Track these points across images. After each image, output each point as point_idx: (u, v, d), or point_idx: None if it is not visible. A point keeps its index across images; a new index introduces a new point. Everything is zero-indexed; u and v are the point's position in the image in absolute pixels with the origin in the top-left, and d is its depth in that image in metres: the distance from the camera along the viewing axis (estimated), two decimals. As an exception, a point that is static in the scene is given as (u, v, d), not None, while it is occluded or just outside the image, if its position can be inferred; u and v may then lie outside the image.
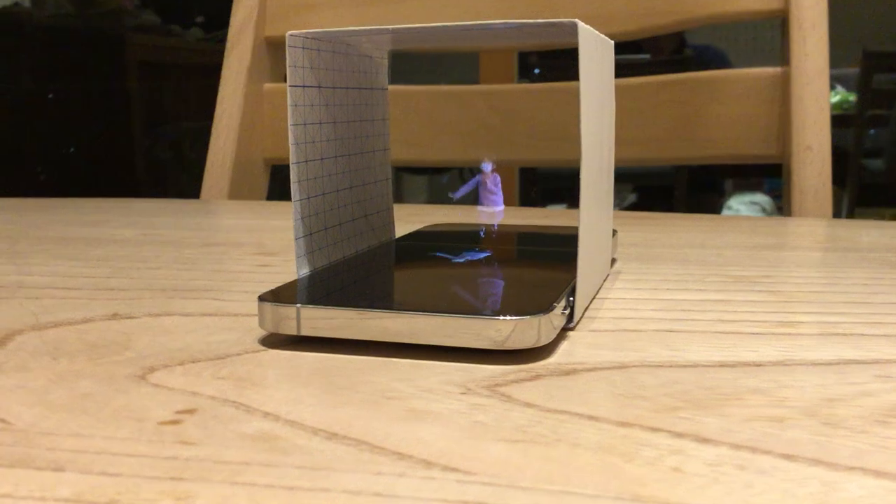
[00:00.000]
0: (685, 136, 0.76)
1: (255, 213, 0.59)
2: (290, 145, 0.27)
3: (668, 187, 3.03)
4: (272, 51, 0.82)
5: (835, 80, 3.16)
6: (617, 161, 0.81)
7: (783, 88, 0.72)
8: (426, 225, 0.40)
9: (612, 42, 0.32)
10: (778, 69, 0.72)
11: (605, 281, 0.33)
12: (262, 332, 0.26)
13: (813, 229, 0.50)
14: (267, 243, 0.44)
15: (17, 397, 0.21)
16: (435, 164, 0.83)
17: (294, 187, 0.28)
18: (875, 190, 2.85)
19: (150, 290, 0.33)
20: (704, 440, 0.18)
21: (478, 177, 0.33)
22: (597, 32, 0.28)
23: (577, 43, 0.25)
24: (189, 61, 2.82)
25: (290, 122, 0.27)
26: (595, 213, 0.28)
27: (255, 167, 0.81)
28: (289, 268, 0.36)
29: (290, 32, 0.27)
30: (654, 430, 0.18)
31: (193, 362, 0.23)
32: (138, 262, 0.38)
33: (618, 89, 0.80)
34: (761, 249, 0.40)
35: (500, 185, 0.33)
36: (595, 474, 0.16)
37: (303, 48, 0.28)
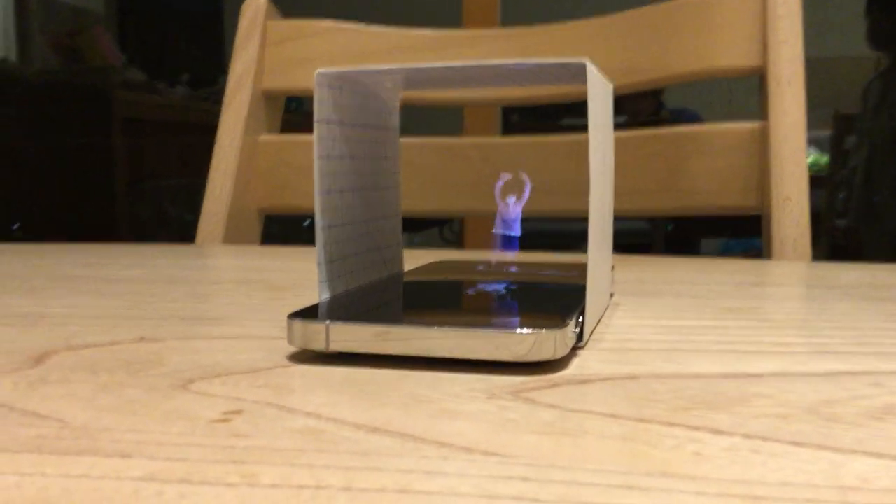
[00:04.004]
0: (667, 189, 0.79)
1: (255, 256, 0.60)
2: (314, 176, 0.29)
3: (645, 246, 3.08)
4: (269, 103, 0.85)
5: (808, 142, 3.24)
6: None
7: (762, 142, 0.75)
8: (434, 261, 0.42)
9: (612, 85, 0.34)
10: (756, 124, 0.75)
11: (605, 311, 0.35)
12: (288, 351, 0.28)
13: (795, 270, 0.52)
14: (273, 280, 0.45)
15: (67, 403, 0.22)
16: (427, 215, 0.85)
17: (318, 215, 0.30)
18: (847, 249, 2.91)
19: (171, 319, 0.34)
20: (718, 432, 0.19)
21: (512, 203, 0.34)
22: (601, 75, 0.30)
23: (583, 85, 0.27)
24: (173, 119, 2.85)
25: (315, 153, 0.29)
26: (600, 244, 0.30)
27: (250, 216, 0.82)
28: (300, 301, 0.37)
29: (318, 71, 0.29)
30: (672, 424, 0.20)
31: (229, 374, 0.25)
32: (153, 297, 0.40)
33: (603, 142, 0.82)
34: (749, 286, 0.42)
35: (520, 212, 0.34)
36: (625, 457, 0.18)
37: (328, 86, 0.30)
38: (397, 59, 0.85)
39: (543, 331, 0.24)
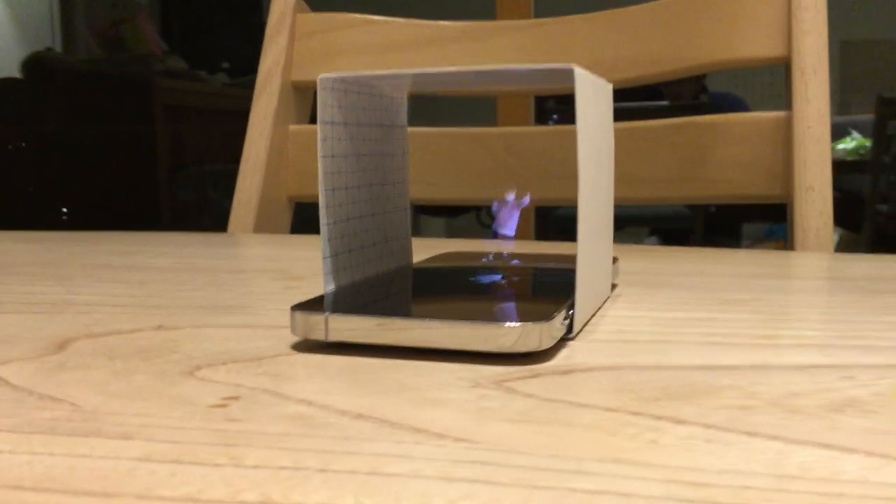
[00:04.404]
0: (692, 177, 0.80)
1: (279, 245, 0.62)
2: (319, 174, 0.31)
3: (686, 230, 3.06)
4: (298, 94, 0.86)
5: (851, 126, 3.20)
6: (629, 200, 0.84)
7: (786, 132, 0.75)
8: (442, 252, 0.43)
9: (611, 85, 0.35)
10: (781, 113, 0.75)
11: (605, 302, 0.36)
12: (293, 340, 0.29)
13: (807, 261, 0.53)
14: (292, 270, 0.47)
15: (82, 388, 0.24)
16: (453, 203, 0.87)
17: (322, 212, 0.31)
18: (890, 234, 2.86)
19: (190, 307, 0.36)
20: (680, 421, 0.20)
21: (510, 204, 0.36)
22: (594, 76, 0.31)
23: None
24: (214, 105, 2.89)
25: (319, 153, 0.31)
26: (592, 238, 0.31)
27: (280, 204, 0.84)
28: (313, 290, 0.39)
29: (321, 76, 0.31)
30: (637, 414, 0.21)
31: (234, 362, 0.27)
32: (176, 285, 0.42)
33: (628, 132, 0.84)
34: (755, 278, 0.42)
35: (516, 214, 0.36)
36: (583, 444, 0.19)
37: (332, 89, 0.31)
38: (425, 50, 0.86)
39: (529, 323, 0.26)
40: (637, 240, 3.70)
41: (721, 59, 0.79)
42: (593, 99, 0.30)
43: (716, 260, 0.51)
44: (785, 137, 0.75)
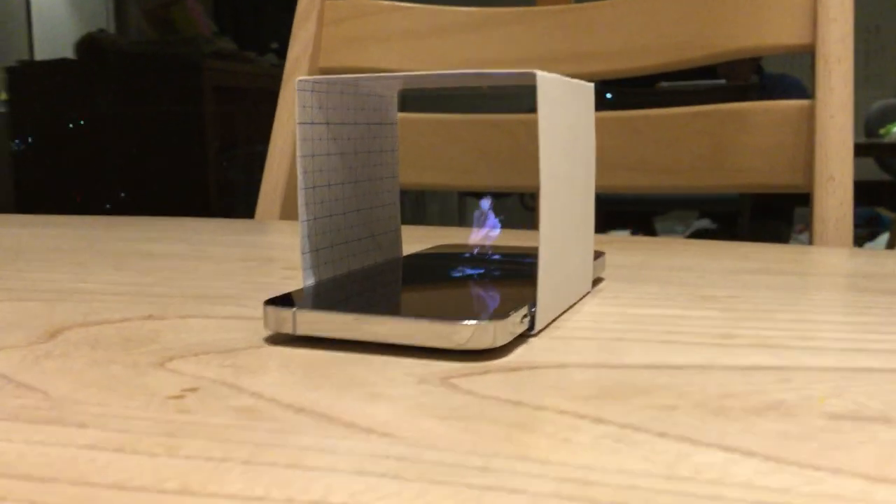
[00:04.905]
0: (714, 166, 0.79)
1: (292, 234, 0.64)
2: (298, 174, 0.32)
3: (736, 213, 3.03)
4: (324, 82, 0.88)
5: (908, 109, 3.12)
6: (650, 188, 0.84)
7: (809, 120, 0.74)
8: (433, 246, 0.44)
9: (591, 85, 0.36)
10: (805, 102, 0.75)
11: (584, 297, 0.37)
12: (268, 333, 0.31)
13: (809, 256, 0.53)
14: (296, 259, 0.49)
15: (57, 376, 0.26)
16: (478, 190, 0.88)
17: (301, 209, 0.32)
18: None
19: (184, 297, 0.38)
20: (600, 421, 0.21)
21: (488, 214, 0.38)
22: (565, 78, 0.32)
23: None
24: (263, 86, 2.93)
25: (298, 153, 0.32)
26: (558, 236, 0.32)
27: (306, 190, 0.86)
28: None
29: (299, 78, 0.32)
30: (563, 412, 0.22)
31: (206, 353, 0.28)
32: (181, 273, 0.44)
33: (651, 120, 0.83)
34: (745, 273, 0.43)
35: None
36: (499, 441, 0.20)
37: (311, 91, 0.33)
38: (451, 37, 0.87)
39: (483, 322, 0.27)
40: (686, 223, 3.67)
41: (747, 46, 0.79)
42: (560, 100, 0.31)
43: (714, 254, 0.51)
44: (808, 126, 0.74)
